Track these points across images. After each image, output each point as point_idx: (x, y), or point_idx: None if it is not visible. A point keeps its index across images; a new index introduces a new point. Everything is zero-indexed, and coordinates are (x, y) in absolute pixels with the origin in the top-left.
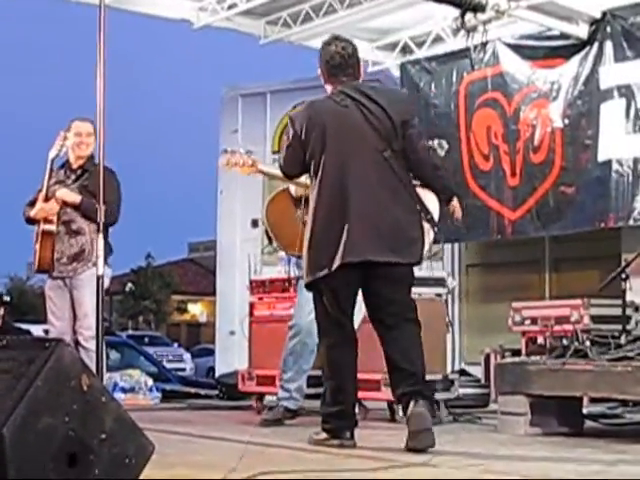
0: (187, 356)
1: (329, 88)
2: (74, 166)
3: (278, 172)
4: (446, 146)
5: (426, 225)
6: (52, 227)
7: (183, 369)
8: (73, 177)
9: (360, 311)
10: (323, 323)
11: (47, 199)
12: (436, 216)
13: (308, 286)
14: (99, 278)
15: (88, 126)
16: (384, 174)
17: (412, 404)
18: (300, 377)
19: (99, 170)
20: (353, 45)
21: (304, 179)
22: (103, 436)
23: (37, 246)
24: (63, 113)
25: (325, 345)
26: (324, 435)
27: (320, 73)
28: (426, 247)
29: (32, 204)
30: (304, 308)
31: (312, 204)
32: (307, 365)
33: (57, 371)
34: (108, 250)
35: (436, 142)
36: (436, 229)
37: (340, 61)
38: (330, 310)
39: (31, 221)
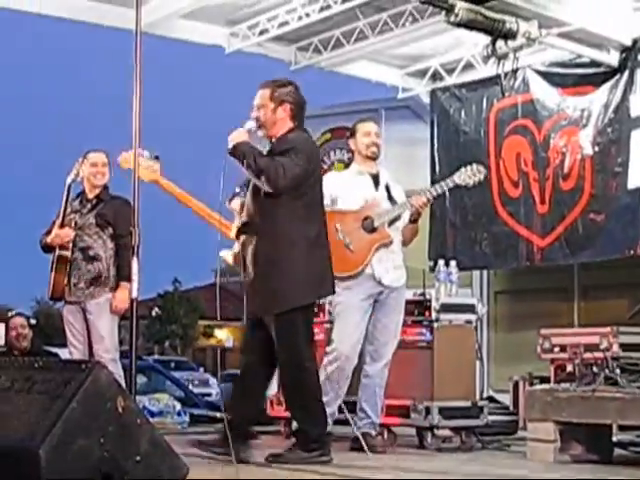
0: (213, 381)
1: (291, 125)
2: (89, 196)
3: (178, 189)
4: (483, 171)
5: None
6: (67, 253)
7: (209, 394)
8: (89, 206)
9: (395, 337)
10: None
11: (63, 226)
12: None
13: (306, 306)
14: (133, 301)
15: (103, 157)
16: None
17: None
18: (335, 403)
19: (121, 200)
20: None
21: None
22: (138, 458)
23: (52, 273)
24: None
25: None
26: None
27: (287, 109)
28: None
29: (49, 233)
30: (344, 333)
31: (310, 230)
32: (342, 391)
33: (93, 393)
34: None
35: (475, 167)
36: None
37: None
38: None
39: (47, 249)
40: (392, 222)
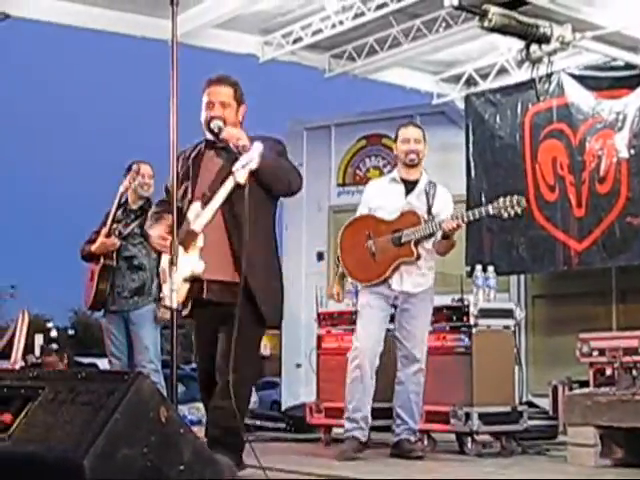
0: (253, 389)
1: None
2: (133, 206)
3: None
4: (523, 204)
5: None
6: (112, 262)
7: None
8: (132, 217)
9: (423, 342)
10: None
11: (109, 234)
12: None
13: None
14: (173, 311)
15: (149, 169)
16: None
17: None
18: (364, 406)
19: None
20: None
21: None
22: (181, 467)
23: (93, 282)
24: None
25: None
26: None
27: (244, 111)
28: None
29: (90, 242)
30: (361, 331)
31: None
32: (368, 392)
33: (136, 403)
34: None
35: (515, 198)
36: None
37: None
38: None
39: (90, 257)
40: (419, 240)
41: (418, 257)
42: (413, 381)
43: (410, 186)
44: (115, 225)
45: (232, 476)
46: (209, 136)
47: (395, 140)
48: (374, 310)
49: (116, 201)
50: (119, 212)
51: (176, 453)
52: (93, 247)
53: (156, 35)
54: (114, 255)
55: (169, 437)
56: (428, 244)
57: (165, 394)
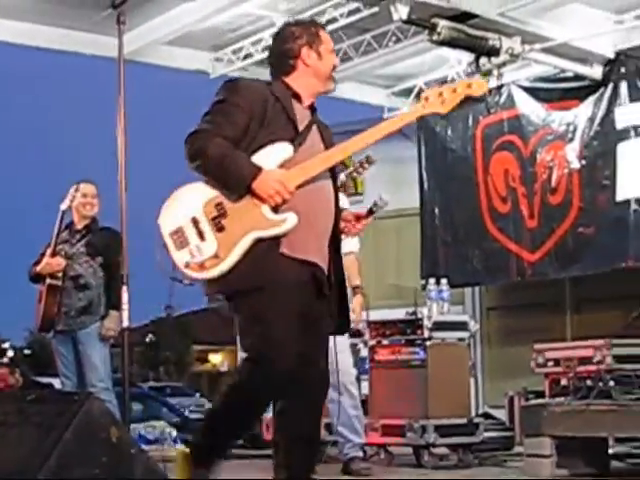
0: (209, 406)
1: None
2: (78, 226)
3: None
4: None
5: None
6: (58, 282)
7: None
8: (78, 237)
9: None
10: None
11: (54, 254)
12: None
13: None
14: (124, 330)
15: (93, 188)
16: None
17: None
18: None
19: (110, 230)
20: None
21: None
22: None
23: (42, 303)
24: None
25: None
26: None
27: None
28: None
29: (37, 263)
30: None
31: None
32: None
33: (86, 423)
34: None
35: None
36: None
37: None
38: None
39: (37, 279)
40: None
41: None
42: (347, 395)
43: None
44: (61, 245)
45: None
46: (330, 86)
47: None
48: None
49: (57, 221)
50: (65, 233)
51: (128, 473)
52: (38, 268)
53: (105, 53)
54: (60, 275)
55: (121, 457)
56: None
57: (118, 413)
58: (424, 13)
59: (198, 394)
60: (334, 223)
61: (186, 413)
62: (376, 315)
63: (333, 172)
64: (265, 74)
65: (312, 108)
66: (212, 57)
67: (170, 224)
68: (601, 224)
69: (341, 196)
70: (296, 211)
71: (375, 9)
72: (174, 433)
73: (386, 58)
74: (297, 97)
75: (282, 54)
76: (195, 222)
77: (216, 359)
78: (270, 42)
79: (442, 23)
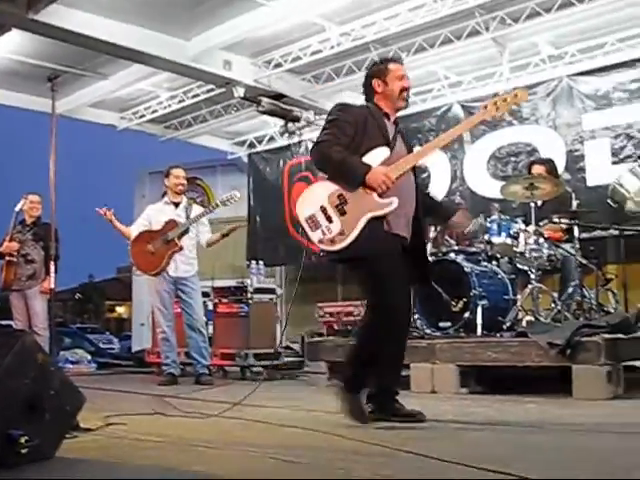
0: (115, 340)
1: None
2: (28, 222)
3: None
4: (238, 194)
5: None
6: (14, 259)
7: (113, 348)
8: (27, 229)
9: (201, 309)
10: None
11: (11, 240)
12: None
13: None
14: (51, 290)
15: (38, 197)
16: None
17: None
18: (174, 353)
19: (48, 224)
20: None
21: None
22: (52, 392)
23: (3, 272)
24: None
25: None
26: None
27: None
28: None
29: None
30: (162, 307)
31: None
32: (174, 345)
33: (21, 350)
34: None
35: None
36: None
37: None
38: None
39: (0, 256)
40: (182, 235)
41: (181, 248)
42: (199, 333)
43: (176, 206)
44: (17, 235)
45: (85, 400)
46: (400, 104)
47: (167, 176)
48: (164, 293)
49: (13, 218)
50: (19, 226)
51: (48, 383)
52: (1, 249)
53: (44, 109)
54: (15, 254)
55: (44, 373)
56: (192, 241)
57: (48, 346)
58: (254, 93)
59: (107, 332)
60: (415, 205)
61: (100, 345)
62: (219, 283)
63: (414, 169)
64: (154, 128)
65: (396, 123)
66: (119, 116)
67: (305, 213)
68: None
69: None
70: (394, 197)
71: (223, 89)
72: (89, 357)
73: (230, 121)
74: (386, 115)
75: (364, 85)
76: (323, 209)
77: (121, 310)
78: (156, 108)
79: (265, 100)
